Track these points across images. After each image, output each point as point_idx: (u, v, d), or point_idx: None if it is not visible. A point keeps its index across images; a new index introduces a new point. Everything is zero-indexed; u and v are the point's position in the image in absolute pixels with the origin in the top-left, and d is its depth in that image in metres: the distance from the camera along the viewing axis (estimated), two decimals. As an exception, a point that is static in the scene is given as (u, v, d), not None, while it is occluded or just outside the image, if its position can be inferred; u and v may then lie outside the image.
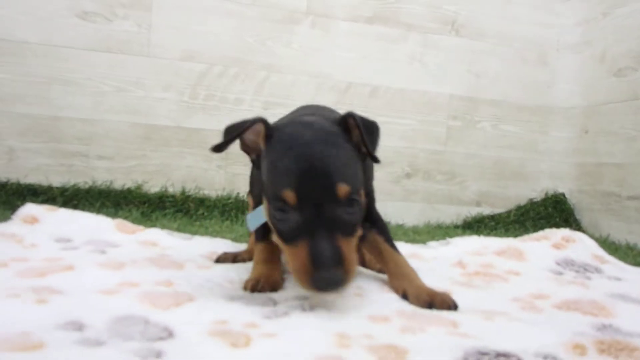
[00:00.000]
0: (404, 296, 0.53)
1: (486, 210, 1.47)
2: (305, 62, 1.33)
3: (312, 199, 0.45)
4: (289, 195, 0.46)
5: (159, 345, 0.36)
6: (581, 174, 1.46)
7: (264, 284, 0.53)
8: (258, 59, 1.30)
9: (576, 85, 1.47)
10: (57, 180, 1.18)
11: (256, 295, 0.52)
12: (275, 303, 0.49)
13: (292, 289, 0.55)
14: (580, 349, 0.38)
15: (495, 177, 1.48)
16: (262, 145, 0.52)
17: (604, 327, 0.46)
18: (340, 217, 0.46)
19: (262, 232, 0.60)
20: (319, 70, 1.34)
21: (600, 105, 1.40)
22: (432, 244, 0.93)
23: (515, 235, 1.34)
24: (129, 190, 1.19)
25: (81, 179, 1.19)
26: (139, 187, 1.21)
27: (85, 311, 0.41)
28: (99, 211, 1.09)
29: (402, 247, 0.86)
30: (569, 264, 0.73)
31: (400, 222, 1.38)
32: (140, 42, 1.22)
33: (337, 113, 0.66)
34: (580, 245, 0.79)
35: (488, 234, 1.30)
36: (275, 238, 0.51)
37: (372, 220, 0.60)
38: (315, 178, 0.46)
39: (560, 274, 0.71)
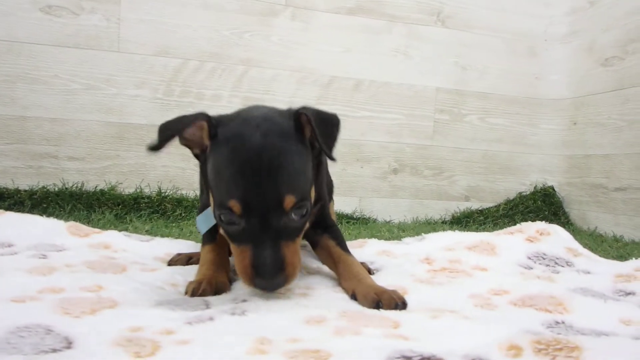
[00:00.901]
0: (354, 297, 0.51)
1: (475, 205, 1.44)
2: (285, 55, 1.28)
3: (257, 210, 0.45)
4: (235, 206, 0.45)
5: (49, 357, 0.33)
6: (570, 166, 1.44)
7: (206, 287, 0.50)
8: (236, 53, 1.25)
9: (565, 76, 1.44)
10: (25, 183, 1.12)
11: (192, 299, 0.48)
12: (207, 306, 0.46)
13: (237, 290, 0.52)
14: (515, 349, 0.36)
15: (483, 171, 1.46)
16: (206, 141, 0.50)
17: (555, 324, 0.44)
18: (286, 225, 0.47)
19: (211, 234, 0.57)
20: (300, 64, 1.29)
21: (588, 95, 1.38)
22: (408, 240, 0.91)
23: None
24: (102, 192, 1.14)
25: (51, 181, 1.14)
26: (112, 189, 1.15)
27: None
28: (70, 214, 1.05)
29: (374, 244, 0.84)
30: (540, 257, 0.71)
31: (388, 219, 1.35)
32: (110, 37, 1.16)
33: (290, 111, 0.62)
34: (554, 238, 0.77)
35: (477, 229, 1.28)
36: (222, 232, 0.50)
37: (325, 225, 0.58)
38: (262, 191, 0.45)
39: (530, 268, 0.69)
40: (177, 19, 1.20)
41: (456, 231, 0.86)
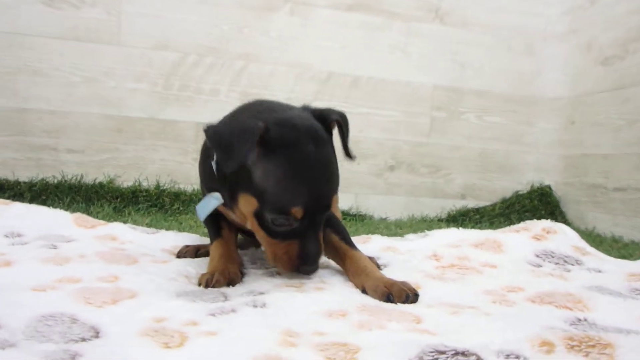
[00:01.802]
0: (364, 291, 0.52)
1: (471, 204, 1.44)
2: (284, 51, 1.28)
3: (314, 212, 0.51)
4: (298, 212, 0.51)
5: (78, 347, 0.33)
6: (567, 165, 1.44)
7: (219, 278, 0.52)
8: (234, 48, 1.26)
9: (563, 75, 1.44)
10: (24, 175, 1.14)
11: (209, 290, 0.49)
12: (226, 298, 0.46)
13: (250, 283, 0.53)
14: (548, 345, 0.36)
15: (480, 170, 1.46)
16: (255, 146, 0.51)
17: (578, 322, 0.44)
18: (321, 221, 0.53)
19: (216, 230, 0.59)
20: (298, 59, 1.30)
21: (586, 95, 1.37)
22: (410, 236, 0.91)
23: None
24: (101, 185, 1.15)
25: (50, 173, 1.15)
26: (111, 182, 1.17)
27: (6, 309, 0.38)
28: (68, 206, 1.06)
29: (378, 240, 0.85)
30: (548, 255, 0.71)
31: (384, 216, 1.36)
32: (111, 31, 1.17)
33: (310, 110, 0.63)
34: (561, 237, 0.77)
35: (473, 227, 1.27)
36: (259, 236, 0.54)
37: (327, 219, 0.59)
38: (323, 194, 0.52)
39: (539, 266, 0.68)
40: (177, 13, 1.21)
41: (460, 229, 0.86)
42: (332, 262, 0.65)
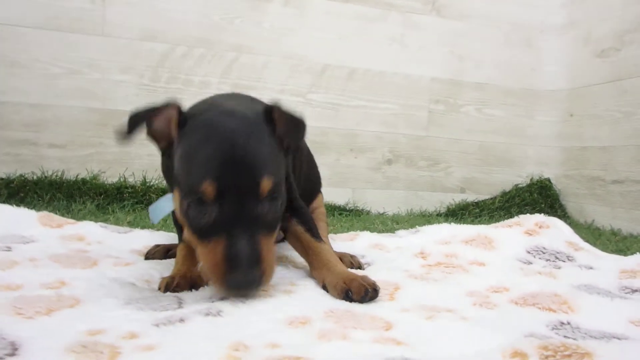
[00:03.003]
0: (324, 287, 0.48)
1: (470, 197, 1.41)
2: (277, 42, 1.24)
3: (233, 193, 0.42)
4: (208, 188, 0.41)
5: None
6: (567, 158, 1.42)
7: (180, 282, 0.47)
8: (226, 38, 1.21)
9: (561, 67, 1.43)
10: (1, 170, 1.07)
11: (164, 296, 0.44)
12: (180, 305, 0.42)
13: (212, 287, 0.48)
14: (520, 356, 0.33)
15: (479, 163, 1.43)
16: (174, 133, 0.46)
17: (560, 325, 0.41)
18: (262, 214, 0.43)
19: (182, 230, 0.54)
20: (293, 51, 1.26)
21: (585, 87, 1.36)
22: (401, 232, 0.87)
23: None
24: (84, 181, 1.08)
25: (29, 169, 1.08)
26: (94, 178, 1.10)
27: None
28: (48, 204, 1.00)
29: (366, 237, 0.81)
30: (539, 251, 0.68)
31: (381, 211, 1.32)
32: (94, 20, 1.12)
33: (261, 103, 0.60)
34: (554, 232, 0.74)
35: (472, 222, 1.25)
36: (186, 234, 0.46)
37: (293, 208, 0.54)
38: (239, 169, 0.42)
39: (529, 263, 0.66)
40: (166, 3, 1.16)
41: (452, 224, 0.83)
42: (307, 265, 0.60)
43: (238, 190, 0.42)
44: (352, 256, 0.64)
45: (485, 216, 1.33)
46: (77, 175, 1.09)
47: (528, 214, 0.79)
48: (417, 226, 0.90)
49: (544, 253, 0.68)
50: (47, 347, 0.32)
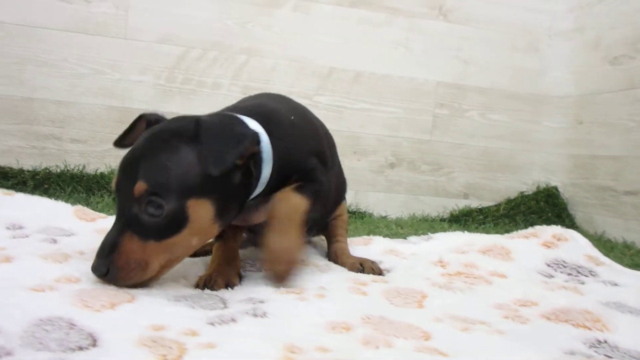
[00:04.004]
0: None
1: (474, 203, 1.41)
2: (285, 46, 1.29)
3: (121, 191, 0.47)
4: (112, 185, 0.49)
5: (76, 356, 0.32)
6: (575, 166, 1.39)
7: (216, 280, 0.50)
8: (238, 42, 1.27)
9: (569, 73, 1.41)
10: (28, 163, 1.16)
11: (207, 295, 0.47)
12: (225, 305, 0.45)
13: (250, 287, 0.51)
14: None
15: (483, 169, 1.43)
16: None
17: (598, 344, 0.41)
18: (136, 215, 0.45)
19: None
20: (300, 54, 1.31)
21: (594, 94, 1.34)
22: (413, 238, 0.88)
23: (506, 230, 1.28)
24: (102, 175, 1.16)
25: (53, 162, 1.17)
26: (112, 172, 1.18)
27: (5, 311, 0.36)
28: (70, 196, 1.07)
29: (380, 241, 0.83)
30: (560, 265, 0.68)
31: (383, 214, 1.34)
32: (118, 24, 1.20)
33: (294, 103, 0.65)
34: (572, 245, 0.73)
35: (476, 228, 1.24)
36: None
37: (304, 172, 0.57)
38: (125, 172, 0.47)
39: (550, 276, 0.65)
40: (182, 8, 1.23)
41: (465, 232, 0.83)
42: (333, 265, 0.64)
43: (123, 189, 0.46)
44: (372, 262, 0.66)
45: (489, 223, 1.33)
46: (96, 170, 1.17)
47: (544, 225, 0.79)
48: (421, 231, 0.91)
49: (564, 267, 0.67)
50: (122, 340, 0.34)
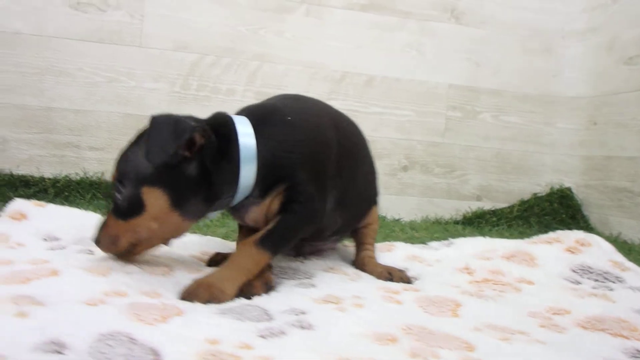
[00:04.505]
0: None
1: (487, 205, 1.41)
2: (298, 51, 1.30)
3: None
4: None
5: None
6: (588, 168, 1.39)
7: (256, 285, 0.50)
8: (251, 48, 1.28)
9: (583, 74, 1.40)
10: (49, 171, 1.18)
11: (250, 306, 0.47)
12: (270, 317, 0.45)
13: (287, 296, 0.52)
14: None
15: (496, 171, 1.43)
16: None
17: (638, 353, 0.40)
18: (113, 198, 0.53)
19: (241, 235, 0.59)
20: (312, 59, 1.31)
21: (609, 95, 1.33)
22: (434, 244, 0.88)
23: (520, 232, 1.30)
24: (120, 181, 1.18)
25: (73, 170, 1.19)
26: (129, 178, 1.19)
27: (67, 327, 0.37)
28: (89, 203, 1.09)
29: (402, 247, 0.82)
30: (585, 271, 0.67)
31: (397, 217, 1.34)
32: (133, 33, 1.21)
33: (320, 103, 0.65)
34: (596, 250, 0.72)
35: (490, 230, 1.25)
36: None
37: (293, 197, 0.56)
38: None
39: (578, 283, 0.65)
40: (196, 15, 1.24)
41: (486, 237, 0.83)
42: (361, 273, 0.64)
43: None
44: (400, 270, 0.66)
45: (503, 225, 1.33)
46: (114, 176, 1.19)
47: (567, 230, 0.78)
48: (436, 234, 0.90)
49: (590, 272, 0.67)
50: (182, 354, 0.33)
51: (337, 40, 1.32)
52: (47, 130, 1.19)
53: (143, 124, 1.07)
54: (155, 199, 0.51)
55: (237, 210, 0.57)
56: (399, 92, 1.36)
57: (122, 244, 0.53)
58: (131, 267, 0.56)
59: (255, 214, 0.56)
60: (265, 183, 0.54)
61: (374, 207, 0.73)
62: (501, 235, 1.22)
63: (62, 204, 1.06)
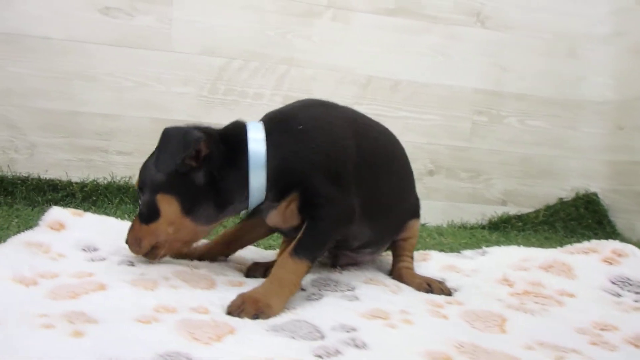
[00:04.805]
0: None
1: (512, 210, 1.40)
2: (325, 55, 1.30)
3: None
4: None
5: None
6: (615, 172, 1.39)
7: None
8: (278, 52, 1.28)
9: (609, 78, 1.40)
10: (76, 175, 1.17)
11: (298, 323, 0.46)
12: (322, 335, 0.44)
13: (335, 311, 0.51)
14: None
15: (522, 175, 1.42)
16: None
17: None
18: (138, 202, 0.59)
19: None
20: (339, 63, 1.31)
21: (635, 99, 1.33)
22: (468, 253, 0.88)
23: (546, 237, 1.30)
24: (148, 186, 1.17)
25: (100, 174, 1.19)
26: (157, 183, 1.19)
27: (125, 348, 0.36)
28: (117, 207, 1.09)
29: (436, 257, 0.82)
30: (625, 283, 0.67)
31: (423, 222, 1.33)
32: (162, 37, 1.22)
33: (341, 110, 0.65)
34: (633, 261, 0.72)
35: (516, 236, 1.25)
36: None
37: (311, 205, 0.57)
38: None
39: (619, 295, 0.65)
40: (224, 20, 1.24)
41: (521, 246, 0.83)
42: (402, 285, 0.64)
43: None
44: (439, 282, 0.66)
45: (529, 230, 1.32)
46: (142, 180, 1.19)
47: (602, 240, 0.78)
48: (463, 240, 0.89)
49: (630, 285, 0.66)
50: None
51: (364, 45, 1.32)
52: (75, 135, 1.19)
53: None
54: (168, 205, 0.55)
55: (260, 213, 0.60)
56: (425, 96, 1.36)
57: (145, 246, 0.58)
58: (175, 281, 0.55)
59: (274, 216, 0.58)
60: (277, 188, 0.55)
61: (414, 221, 0.72)
62: (527, 240, 1.23)
63: (90, 208, 1.06)
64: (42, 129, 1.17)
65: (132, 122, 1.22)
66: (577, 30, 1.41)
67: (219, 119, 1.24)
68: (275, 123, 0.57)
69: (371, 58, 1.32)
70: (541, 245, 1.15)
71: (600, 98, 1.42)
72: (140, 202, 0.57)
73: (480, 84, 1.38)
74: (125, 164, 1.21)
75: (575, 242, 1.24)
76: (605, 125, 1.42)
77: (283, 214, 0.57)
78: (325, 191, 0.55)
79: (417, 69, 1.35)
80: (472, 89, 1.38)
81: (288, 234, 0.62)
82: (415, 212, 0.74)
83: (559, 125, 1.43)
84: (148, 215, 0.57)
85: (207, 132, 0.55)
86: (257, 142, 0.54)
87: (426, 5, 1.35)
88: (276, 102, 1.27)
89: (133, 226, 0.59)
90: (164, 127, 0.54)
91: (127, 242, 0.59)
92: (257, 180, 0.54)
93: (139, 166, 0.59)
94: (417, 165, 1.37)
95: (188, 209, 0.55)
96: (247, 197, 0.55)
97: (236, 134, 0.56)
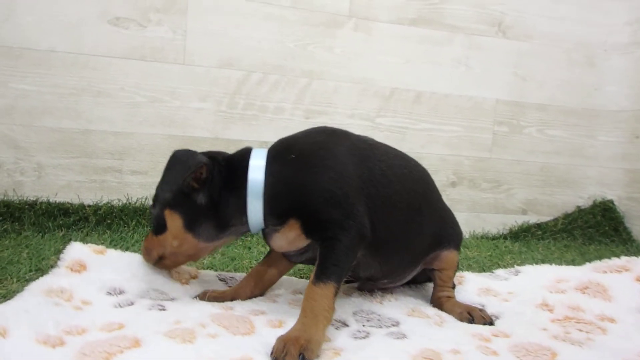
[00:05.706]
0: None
1: (532, 219, 1.41)
2: (347, 67, 1.26)
3: None
4: None
5: None
6: (631, 180, 1.41)
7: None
8: (299, 65, 1.23)
9: (625, 87, 1.42)
10: (89, 198, 1.11)
11: None
12: None
13: (385, 353, 0.48)
14: None
15: (541, 184, 1.43)
16: None
17: None
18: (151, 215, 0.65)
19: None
20: (362, 75, 1.28)
21: (651, 108, 1.35)
22: (501, 272, 0.87)
23: (565, 245, 1.32)
24: (167, 207, 1.12)
25: (114, 195, 1.12)
26: (176, 204, 1.13)
27: None
28: (134, 230, 1.03)
29: (470, 279, 0.80)
30: None
31: (446, 234, 1.33)
32: (176, 50, 1.15)
33: (349, 140, 0.64)
34: None
35: (536, 244, 1.26)
36: None
37: (321, 230, 0.59)
38: None
39: None
40: (242, 31, 1.19)
41: (553, 265, 0.83)
42: (442, 314, 0.62)
43: None
44: (480, 310, 0.65)
45: (548, 239, 1.34)
46: (161, 202, 1.13)
47: (633, 257, 0.79)
48: (488, 252, 0.88)
49: None
50: None
51: (386, 55, 1.29)
52: (85, 155, 1.12)
53: (188, 145, 1.04)
54: (173, 220, 0.60)
55: (266, 236, 0.62)
56: (448, 107, 1.34)
57: (154, 255, 0.64)
58: (214, 327, 0.52)
59: (278, 240, 0.60)
60: (276, 214, 0.58)
61: (448, 252, 0.68)
62: (548, 249, 1.24)
63: (105, 232, 1.00)
64: (50, 149, 1.09)
65: (146, 139, 1.15)
66: (595, 39, 1.42)
67: (239, 135, 1.22)
68: (277, 151, 0.60)
69: (394, 69, 1.29)
70: (561, 255, 1.18)
71: (617, 107, 1.44)
72: (152, 214, 0.63)
73: (502, 95, 1.38)
74: (141, 184, 1.15)
75: (593, 249, 1.29)
76: (622, 134, 1.44)
77: (287, 238, 0.58)
78: (326, 216, 0.55)
79: (439, 80, 1.33)
80: (494, 100, 1.37)
81: (293, 259, 0.63)
82: (450, 243, 0.69)
83: (577, 134, 1.44)
84: (157, 228, 0.62)
85: (212, 157, 0.60)
86: (256, 169, 0.57)
87: (448, 15, 1.32)
88: (297, 117, 1.22)
89: (147, 237, 0.65)
90: (181, 144, 0.57)
91: (142, 249, 0.66)
92: (255, 206, 0.57)
93: (155, 185, 0.62)
94: (440, 177, 1.36)
95: (190, 226, 0.59)
96: (246, 221, 0.58)
97: (240, 160, 0.59)
